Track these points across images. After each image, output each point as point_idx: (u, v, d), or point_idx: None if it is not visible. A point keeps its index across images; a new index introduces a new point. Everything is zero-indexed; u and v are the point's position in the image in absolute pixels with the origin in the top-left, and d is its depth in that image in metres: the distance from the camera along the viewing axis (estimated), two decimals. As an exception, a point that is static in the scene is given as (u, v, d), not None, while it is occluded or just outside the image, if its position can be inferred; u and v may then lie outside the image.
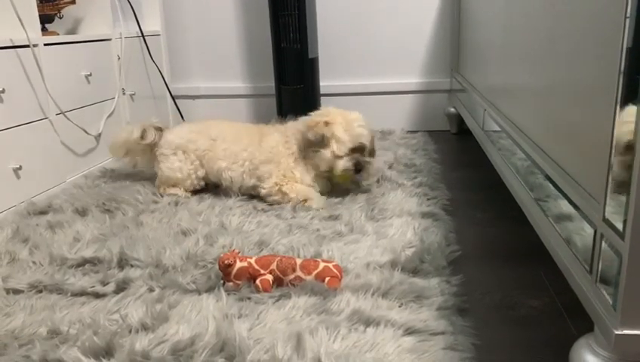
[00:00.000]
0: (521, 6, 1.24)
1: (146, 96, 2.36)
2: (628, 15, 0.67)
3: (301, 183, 1.62)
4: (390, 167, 1.92)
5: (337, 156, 1.59)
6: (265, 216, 1.51)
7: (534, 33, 1.13)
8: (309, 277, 1.09)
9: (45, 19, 1.95)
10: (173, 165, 1.69)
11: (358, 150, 1.61)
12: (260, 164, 1.65)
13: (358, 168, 1.61)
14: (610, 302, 0.71)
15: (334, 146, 1.58)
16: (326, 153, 1.59)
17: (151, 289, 1.12)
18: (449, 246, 1.27)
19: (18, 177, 1.60)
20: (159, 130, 1.77)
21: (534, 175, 1.09)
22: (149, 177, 1.90)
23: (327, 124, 1.60)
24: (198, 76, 2.74)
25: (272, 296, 1.06)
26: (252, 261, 1.11)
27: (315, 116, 1.65)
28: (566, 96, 0.93)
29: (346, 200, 1.61)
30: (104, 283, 1.15)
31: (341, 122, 1.60)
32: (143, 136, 1.74)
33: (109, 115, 2.07)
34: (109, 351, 0.90)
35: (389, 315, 0.97)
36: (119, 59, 2.12)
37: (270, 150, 1.66)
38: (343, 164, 1.59)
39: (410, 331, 0.93)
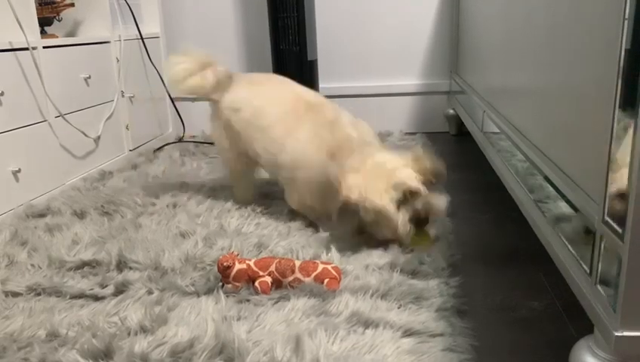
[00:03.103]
0: (521, 8, 1.24)
1: (146, 98, 2.36)
2: (626, 17, 0.67)
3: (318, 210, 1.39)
4: (389, 169, 1.91)
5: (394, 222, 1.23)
6: (264, 218, 1.50)
7: (533, 35, 1.13)
8: (308, 279, 1.09)
9: (44, 22, 1.94)
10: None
11: (411, 196, 1.25)
12: (282, 166, 1.42)
13: (420, 220, 1.26)
14: (610, 304, 0.71)
15: (387, 219, 1.22)
16: (386, 233, 1.26)
17: (150, 292, 1.11)
18: (450, 248, 1.27)
19: (17, 180, 1.60)
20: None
21: (533, 176, 1.09)
22: (148, 179, 1.90)
23: (364, 200, 1.21)
24: (197, 78, 2.74)
25: (271, 297, 1.06)
26: (251, 263, 1.11)
27: (346, 187, 1.23)
28: (565, 97, 0.93)
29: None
30: (103, 286, 1.14)
31: (381, 187, 1.22)
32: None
33: (108, 118, 2.06)
34: (107, 354, 0.90)
35: (388, 317, 0.97)
36: (118, 61, 2.12)
37: (294, 151, 1.39)
38: (402, 228, 1.24)
39: (409, 332, 0.93)
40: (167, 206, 1.62)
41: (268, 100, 1.49)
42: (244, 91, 1.54)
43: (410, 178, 1.24)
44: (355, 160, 1.28)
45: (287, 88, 1.54)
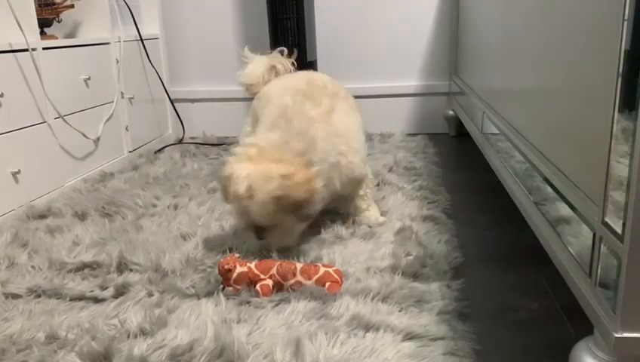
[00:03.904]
0: (520, 9, 1.24)
1: (145, 99, 2.36)
2: (626, 18, 0.67)
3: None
4: (390, 170, 1.91)
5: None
6: (264, 220, 1.50)
7: (533, 36, 1.13)
8: (309, 282, 1.09)
9: (44, 23, 1.94)
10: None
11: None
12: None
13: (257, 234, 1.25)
14: (610, 305, 0.71)
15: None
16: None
17: (150, 294, 1.11)
18: (452, 250, 1.26)
19: (17, 181, 1.60)
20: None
21: (533, 178, 1.09)
22: (149, 180, 1.90)
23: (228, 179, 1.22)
24: (196, 79, 2.74)
25: (272, 300, 1.06)
26: (252, 266, 1.11)
27: (236, 156, 1.25)
28: (564, 98, 0.93)
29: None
30: (103, 288, 1.14)
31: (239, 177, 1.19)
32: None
33: (108, 119, 2.06)
34: (106, 357, 0.89)
35: (389, 320, 0.97)
36: (118, 62, 2.12)
37: (302, 126, 1.30)
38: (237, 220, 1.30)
39: (410, 336, 0.93)
40: (168, 207, 1.62)
41: (275, 84, 1.58)
42: (267, 86, 1.63)
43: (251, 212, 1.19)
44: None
45: (301, 75, 1.60)
